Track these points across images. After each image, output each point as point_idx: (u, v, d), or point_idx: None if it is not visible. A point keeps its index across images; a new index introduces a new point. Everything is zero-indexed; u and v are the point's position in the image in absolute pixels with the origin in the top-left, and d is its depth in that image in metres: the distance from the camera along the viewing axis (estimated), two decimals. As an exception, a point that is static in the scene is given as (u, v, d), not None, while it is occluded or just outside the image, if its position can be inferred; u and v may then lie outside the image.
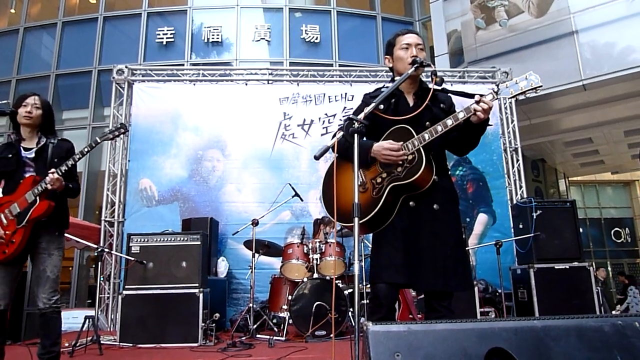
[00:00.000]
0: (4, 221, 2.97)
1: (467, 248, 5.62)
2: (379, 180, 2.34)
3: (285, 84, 8.11)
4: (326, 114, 7.72)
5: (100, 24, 12.36)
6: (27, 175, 3.03)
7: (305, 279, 5.13)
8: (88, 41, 12.26)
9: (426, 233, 2.30)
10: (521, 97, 2.29)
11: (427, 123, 2.33)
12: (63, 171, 2.92)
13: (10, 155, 3.07)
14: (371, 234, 2.46)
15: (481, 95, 2.23)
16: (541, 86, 2.23)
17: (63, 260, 3.15)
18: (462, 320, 1.48)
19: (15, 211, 2.96)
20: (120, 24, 12.56)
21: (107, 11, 12.60)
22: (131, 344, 4.77)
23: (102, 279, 6.59)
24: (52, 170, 2.91)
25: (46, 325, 2.96)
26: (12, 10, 13.79)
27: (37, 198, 2.93)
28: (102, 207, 7.35)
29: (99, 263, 5.60)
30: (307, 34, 12.21)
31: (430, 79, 2.37)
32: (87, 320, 4.54)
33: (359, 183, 2.13)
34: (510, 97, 2.27)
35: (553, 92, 9.31)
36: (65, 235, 4.23)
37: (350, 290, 5.31)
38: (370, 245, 5.54)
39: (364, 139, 2.50)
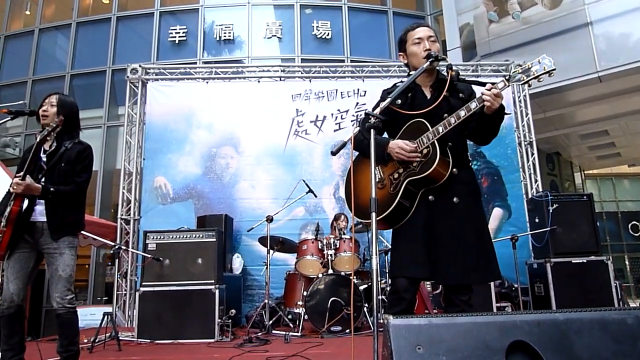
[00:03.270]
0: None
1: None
2: (395, 175, 2.34)
3: (297, 80, 8.12)
4: (339, 110, 7.71)
5: (113, 24, 12.46)
6: (40, 176, 3.04)
7: (320, 275, 5.14)
8: (102, 41, 12.37)
9: (446, 227, 2.29)
10: (535, 82, 2.23)
11: (445, 115, 2.31)
12: (22, 175, 2.89)
13: (29, 155, 3.08)
14: (391, 229, 2.46)
15: (493, 84, 2.21)
16: (554, 69, 2.16)
17: (80, 258, 3.15)
18: (484, 314, 1.48)
19: (5, 212, 3.00)
20: (133, 24, 12.64)
21: (120, 11, 12.69)
22: (149, 340, 4.84)
23: (119, 276, 6.66)
24: (19, 174, 2.91)
25: (62, 325, 2.97)
26: (27, 12, 13.95)
27: (12, 202, 2.93)
28: (118, 205, 7.42)
29: (116, 260, 5.66)
30: (318, 30, 12.17)
31: (446, 73, 2.37)
32: (106, 317, 4.61)
33: (377, 179, 2.13)
34: (524, 83, 2.22)
35: (568, 85, 9.22)
36: (83, 233, 4.28)
37: (365, 286, 5.31)
38: (385, 241, 5.54)
39: (385, 134, 2.50)
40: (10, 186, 2.91)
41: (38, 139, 3.03)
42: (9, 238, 2.96)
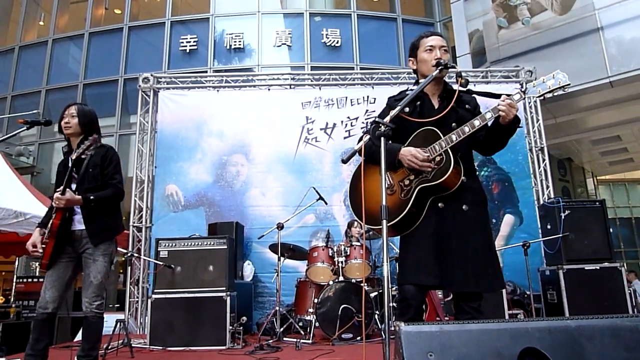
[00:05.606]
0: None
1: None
2: (407, 182, 2.34)
3: (307, 88, 8.15)
4: (348, 117, 7.74)
5: (125, 34, 12.65)
6: (73, 186, 3.14)
7: (330, 282, 5.14)
8: (114, 51, 12.57)
9: (456, 234, 2.30)
10: (549, 96, 2.28)
11: (454, 124, 2.34)
12: (62, 189, 3.00)
13: (62, 169, 3.24)
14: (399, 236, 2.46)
15: (508, 95, 2.23)
16: (569, 84, 2.21)
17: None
18: (495, 320, 1.48)
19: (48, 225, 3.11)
20: (145, 34, 12.82)
21: (132, 21, 12.88)
22: (161, 347, 4.86)
23: (131, 283, 6.71)
24: (59, 189, 3.02)
25: (88, 328, 3.08)
26: (41, 23, 14.21)
27: (54, 215, 3.05)
28: (130, 212, 7.49)
29: (128, 268, 5.71)
30: (327, 38, 12.25)
31: (455, 81, 2.38)
32: (118, 324, 4.64)
33: (387, 186, 2.15)
34: (539, 96, 2.26)
35: (579, 90, 9.16)
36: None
37: (375, 293, 5.30)
38: (395, 248, 5.53)
39: (390, 142, 2.51)
40: (52, 201, 3.02)
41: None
42: (51, 249, 3.07)
